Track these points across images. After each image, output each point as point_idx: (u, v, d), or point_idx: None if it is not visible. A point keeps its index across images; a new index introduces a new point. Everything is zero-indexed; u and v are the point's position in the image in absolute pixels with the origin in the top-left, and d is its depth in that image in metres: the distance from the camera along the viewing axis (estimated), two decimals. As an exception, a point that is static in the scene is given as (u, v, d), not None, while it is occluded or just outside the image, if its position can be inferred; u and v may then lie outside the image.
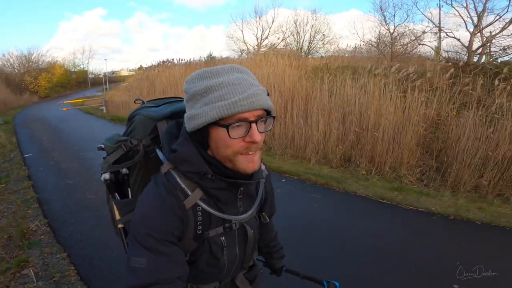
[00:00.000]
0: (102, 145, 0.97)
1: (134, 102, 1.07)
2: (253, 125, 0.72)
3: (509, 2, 7.35)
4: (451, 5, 8.52)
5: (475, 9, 8.02)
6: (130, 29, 77.76)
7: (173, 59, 16.07)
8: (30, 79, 27.44)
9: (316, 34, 20.79)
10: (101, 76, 27.01)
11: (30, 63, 31.00)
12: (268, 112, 0.76)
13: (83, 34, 69.00)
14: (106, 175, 0.94)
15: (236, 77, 0.72)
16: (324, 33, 20.23)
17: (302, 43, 21.03)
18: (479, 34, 7.90)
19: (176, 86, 11.26)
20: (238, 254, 0.93)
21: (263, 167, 0.95)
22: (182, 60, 15.70)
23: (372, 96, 5.38)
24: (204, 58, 17.88)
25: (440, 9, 9.52)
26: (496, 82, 4.89)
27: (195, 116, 0.73)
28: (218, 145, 0.75)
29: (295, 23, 20.72)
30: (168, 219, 0.76)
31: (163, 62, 15.79)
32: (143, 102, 1.04)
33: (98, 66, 70.69)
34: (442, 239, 2.97)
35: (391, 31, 12.24)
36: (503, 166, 4.08)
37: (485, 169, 4.15)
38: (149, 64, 17.19)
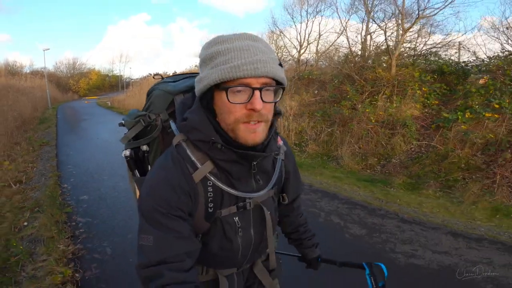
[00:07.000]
0: (123, 121, 0.93)
1: (153, 77, 1.03)
2: (256, 92, 0.67)
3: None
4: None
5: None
6: (171, 34, 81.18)
7: (159, 73, 23.87)
8: (73, 82, 36.14)
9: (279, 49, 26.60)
10: (132, 80, 34.04)
11: (74, 70, 39.45)
12: (278, 83, 0.72)
13: (127, 38, 75.08)
14: (127, 152, 0.92)
15: (246, 43, 0.69)
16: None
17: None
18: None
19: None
20: (254, 237, 0.87)
21: (281, 142, 0.89)
22: (167, 72, 23.60)
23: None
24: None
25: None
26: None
27: (201, 79, 0.72)
28: (221, 111, 0.72)
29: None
30: (174, 192, 0.72)
31: (152, 74, 23.64)
32: (162, 78, 1.01)
33: (135, 70, 77.26)
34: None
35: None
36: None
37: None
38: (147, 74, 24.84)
